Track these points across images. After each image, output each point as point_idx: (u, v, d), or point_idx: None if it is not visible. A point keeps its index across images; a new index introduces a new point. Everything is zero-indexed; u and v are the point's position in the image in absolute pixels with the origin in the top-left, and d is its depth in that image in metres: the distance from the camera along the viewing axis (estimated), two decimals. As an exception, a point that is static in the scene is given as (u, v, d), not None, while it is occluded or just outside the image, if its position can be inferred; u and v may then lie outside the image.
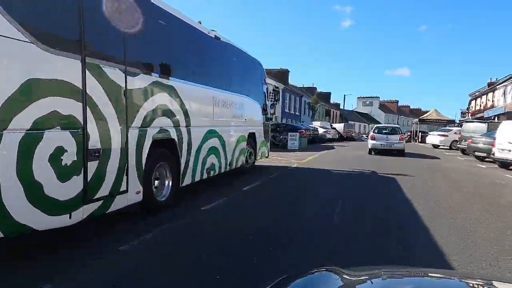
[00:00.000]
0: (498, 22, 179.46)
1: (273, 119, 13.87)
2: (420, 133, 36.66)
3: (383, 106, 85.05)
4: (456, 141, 24.03)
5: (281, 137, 21.86)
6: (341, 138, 38.75)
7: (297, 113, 45.21)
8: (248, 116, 10.16)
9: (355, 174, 11.10)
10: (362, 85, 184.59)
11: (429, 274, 1.59)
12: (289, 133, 21.19)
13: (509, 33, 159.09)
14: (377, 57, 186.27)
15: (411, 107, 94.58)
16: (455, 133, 24.41)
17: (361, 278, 1.40)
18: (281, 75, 46.66)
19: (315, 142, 28.99)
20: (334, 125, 40.44)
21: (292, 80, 60.29)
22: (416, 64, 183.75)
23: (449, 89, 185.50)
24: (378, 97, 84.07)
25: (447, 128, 29.47)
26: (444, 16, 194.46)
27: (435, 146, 25.51)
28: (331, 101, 67.65)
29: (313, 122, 35.49)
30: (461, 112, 52.88)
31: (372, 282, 1.37)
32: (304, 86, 59.60)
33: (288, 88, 42.61)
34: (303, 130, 24.71)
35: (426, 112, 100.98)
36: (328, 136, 29.94)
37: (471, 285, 1.40)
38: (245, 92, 10.02)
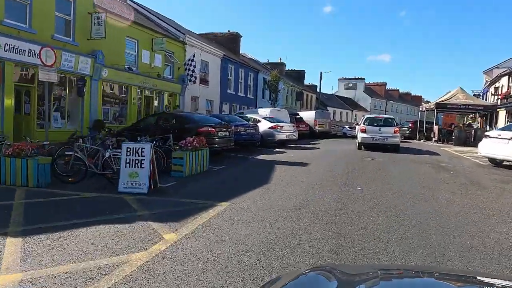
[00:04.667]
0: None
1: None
2: (437, 127, 22.91)
3: (369, 90, 71.72)
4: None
5: (112, 155, 7.73)
6: (312, 133, 25.14)
7: (249, 96, 31.10)
8: None
9: None
10: (344, 69, 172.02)
11: (425, 273, 1.56)
12: (126, 147, 7.10)
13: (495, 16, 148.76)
14: (359, 43, 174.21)
15: (401, 91, 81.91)
16: (551, 134, 10.81)
17: (357, 279, 1.35)
18: (230, 41, 32.48)
19: (255, 146, 15.18)
20: (302, 113, 26.62)
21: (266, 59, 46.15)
22: (399, 49, 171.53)
23: (439, 72, 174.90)
24: (363, 79, 70.61)
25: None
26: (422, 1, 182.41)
27: (495, 162, 11.94)
28: (307, 83, 53.68)
29: (260, 109, 21.53)
30: (473, 94, 39.73)
31: (368, 284, 1.30)
32: (270, 61, 45.46)
33: (234, 59, 28.37)
34: (206, 129, 10.84)
35: (417, 96, 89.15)
36: (280, 136, 15.98)
37: (465, 283, 1.38)
38: None
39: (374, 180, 8.56)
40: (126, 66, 16.45)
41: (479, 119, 35.91)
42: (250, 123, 14.96)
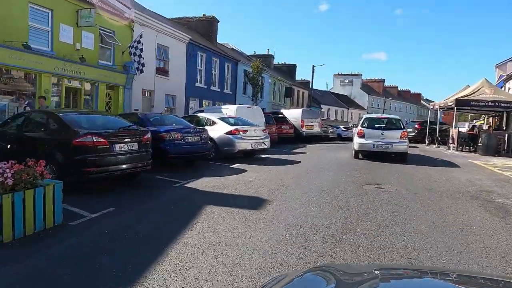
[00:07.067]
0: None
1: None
2: (457, 131, 18.02)
3: (366, 86, 66.94)
4: None
5: None
6: (298, 136, 20.52)
7: (226, 91, 26.27)
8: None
9: None
10: (339, 68, 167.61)
11: (424, 273, 1.52)
12: None
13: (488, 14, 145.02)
14: (355, 41, 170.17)
15: (399, 88, 77.11)
16: None
17: (356, 279, 1.31)
18: (205, 26, 27.68)
19: (207, 159, 10.47)
20: (286, 112, 21.85)
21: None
22: (395, 47, 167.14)
23: (438, 71, 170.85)
24: (360, 75, 65.78)
25: None
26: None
27: None
28: (299, 79, 48.80)
29: (223, 107, 16.71)
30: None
31: (367, 285, 1.26)
32: (256, 54, 40.57)
33: (206, 46, 23.51)
34: (90, 141, 6.04)
35: (416, 94, 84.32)
36: (243, 144, 11.10)
37: (465, 283, 1.34)
38: None
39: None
40: (23, 43, 11.54)
41: (490, 119, 31.35)
42: (196, 127, 10.10)
